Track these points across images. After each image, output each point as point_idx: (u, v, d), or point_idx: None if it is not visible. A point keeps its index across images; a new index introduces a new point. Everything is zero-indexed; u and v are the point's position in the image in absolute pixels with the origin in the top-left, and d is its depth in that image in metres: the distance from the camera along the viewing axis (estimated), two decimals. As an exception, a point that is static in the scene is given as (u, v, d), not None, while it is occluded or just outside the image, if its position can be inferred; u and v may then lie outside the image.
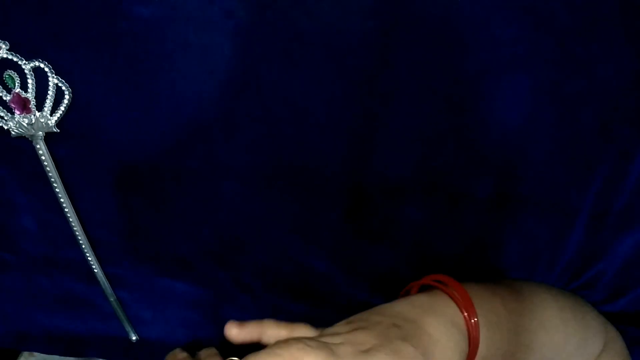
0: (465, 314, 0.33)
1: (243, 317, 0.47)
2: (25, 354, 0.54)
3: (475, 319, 0.33)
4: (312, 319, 0.46)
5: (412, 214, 0.39)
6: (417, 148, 0.36)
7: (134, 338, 0.49)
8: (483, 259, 0.42)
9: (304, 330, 0.33)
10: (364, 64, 0.33)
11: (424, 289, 0.37)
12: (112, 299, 0.45)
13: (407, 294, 0.38)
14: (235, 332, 0.33)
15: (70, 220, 0.40)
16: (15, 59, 0.33)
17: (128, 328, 0.48)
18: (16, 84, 0.33)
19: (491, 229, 0.40)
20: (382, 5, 0.31)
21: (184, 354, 0.41)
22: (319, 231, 0.41)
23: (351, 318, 0.33)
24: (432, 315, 0.33)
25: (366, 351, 0.29)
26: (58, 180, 0.37)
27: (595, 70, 0.32)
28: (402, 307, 0.33)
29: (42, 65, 0.33)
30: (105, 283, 0.44)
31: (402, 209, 0.39)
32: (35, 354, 0.54)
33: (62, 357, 0.52)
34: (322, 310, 0.46)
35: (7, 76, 0.33)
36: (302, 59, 0.33)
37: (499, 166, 0.36)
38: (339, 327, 0.32)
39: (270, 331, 0.33)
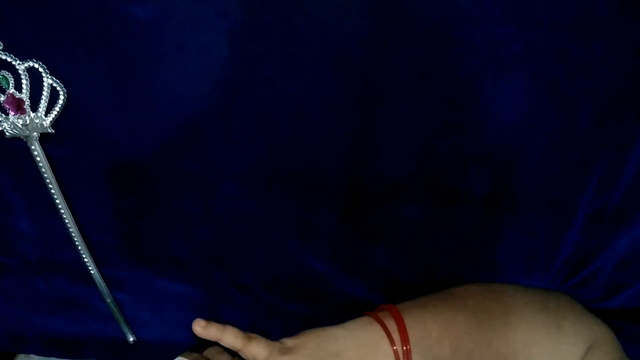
0: (396, 348, 0.36)
1: (241, 317, 0.47)
2: (22, 356, 0.54)
3: None
4: (310, 319, 0.46)
5: (410, 213, 0.39)
6: (414, 147, 0.36)
7: (131, 339, 0.49)
8: (480, 257, 0.42)
9: (258, 346, 0.37)
10: (361, 63, 0.33)
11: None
12: (109, 301, 0.45)
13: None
14: (199, 329, 0.38)
15: (67, 221, 0.39)
16: (9, 59, 0.32)
17: (125, 329, 0.48)
18: (10, 85, 0.33)
19: (489, 227, 0.40)
20: (379, 4, 0.31)
21: (195, 355, 0.42)
22: (317, 231, 0.41)
23: (300, 339, 0.37)
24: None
25: None
26: (53, 181, 0.37)
27: (591, 67, 0.32)
28: (346, 343, 0.37)
29: (36, 66, 0.33)
30: (102, 285, 0.44)
31: (400, 208, 0.39)
32: (32, 356, 0.54)
33: (59, 359, 0.52)
34: (320, 309, 0.46)
35: (1, 77, 0.33)
36: (298, 59, 0.33)
37: (496, 164, 0.37)
38: (285, 355, 0.36)
39: (227, 338, 0.37)
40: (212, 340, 0.38)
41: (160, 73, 0.33)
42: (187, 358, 0.43)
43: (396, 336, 0.37)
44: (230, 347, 0.38)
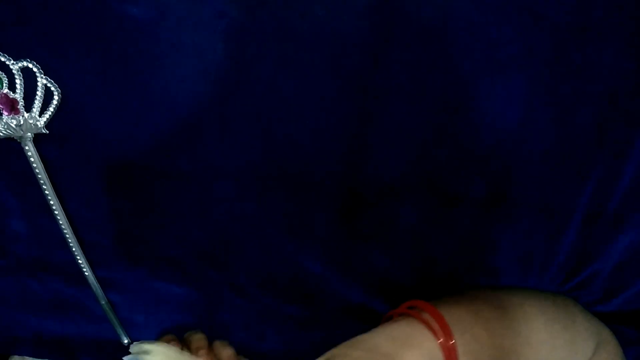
0: (442, 340, 0.34)
1: (236, 319, 0.47)
2: (16, 357, 0.53)
3: (454, 345, 0.34)
4: (305, 321, 0.46)
5: (407, 214, 0.39)
6: (411, 149, 0.36)
7: (125, 341, 0.48)
8: (477, 260, 0.42)
9: None
10: (358, 64, 0.33)
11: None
12: (103, 302, 0.45)
13: (389, 318, 0.38)
14: None
15: (61, 222, 0.39)
16: (3, 59, 0.32)
17: (120, 331, 0.47)
18: (4, 85, 0.33)
19: (485, 230, 0.40)
20: (376, 5, 0.31)
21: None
22: (313, 232, 0.41)
23: (332, 353, 0.34)
24: (409, 348, 0.34)
25: None
26: (47, 182, 0.37)
27: (590, 71, 0.32)
28: (380, 340, 0.34)
29: (30, 66, 0.32)
30: (97, 286, 0.44)
31: (396, 210, 0.39)
32: (26, 357, 0.53)
33: (53, 361, 0.52)
34: (315, 311, 0.46)
35: (-6, 76, 0.33)
36: (295, 60, 0.33)
37: (493, 167, 0.36)
38: None
39: None
40: None
41: (155, 73, 0.33)
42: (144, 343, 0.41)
43: (435, 327, 0.35)
44: None
